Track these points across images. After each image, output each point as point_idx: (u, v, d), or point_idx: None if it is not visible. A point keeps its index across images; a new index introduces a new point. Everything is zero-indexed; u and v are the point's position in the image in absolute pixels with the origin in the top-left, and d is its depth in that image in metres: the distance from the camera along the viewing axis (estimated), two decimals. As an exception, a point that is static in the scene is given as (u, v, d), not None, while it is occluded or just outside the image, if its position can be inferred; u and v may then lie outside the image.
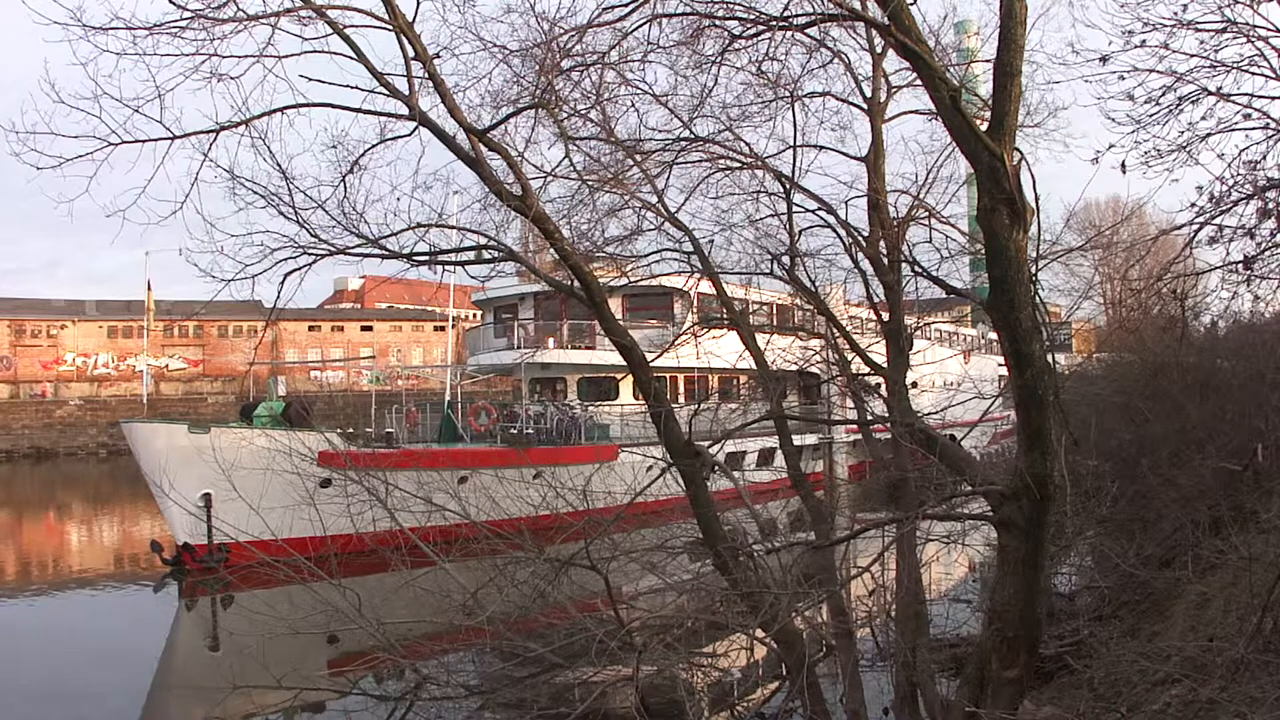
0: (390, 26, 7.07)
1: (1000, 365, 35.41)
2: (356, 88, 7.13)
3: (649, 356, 8.92)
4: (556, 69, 7.91)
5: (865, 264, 11.35)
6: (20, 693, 12.85)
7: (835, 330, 11.77)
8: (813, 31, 8.94)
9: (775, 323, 26.59)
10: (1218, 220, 7.59)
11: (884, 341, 11.77)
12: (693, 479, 8.38)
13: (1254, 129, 7.75)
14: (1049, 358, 5.91)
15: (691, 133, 10.07)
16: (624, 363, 8.63)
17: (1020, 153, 5.52)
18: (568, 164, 8.99)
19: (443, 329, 68.37)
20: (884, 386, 11.43)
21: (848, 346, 12.02)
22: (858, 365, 12.17)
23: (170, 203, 6.73)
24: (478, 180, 7.93)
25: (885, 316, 11.54)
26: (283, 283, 7.50)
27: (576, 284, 8.35)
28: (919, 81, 7.10)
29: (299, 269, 7.54)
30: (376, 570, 10.64)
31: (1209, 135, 7.74)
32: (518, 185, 7.96)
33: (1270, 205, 7.29)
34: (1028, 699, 6.88)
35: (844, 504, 16.36)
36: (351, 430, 25.17)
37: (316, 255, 7.60)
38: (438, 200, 18.01)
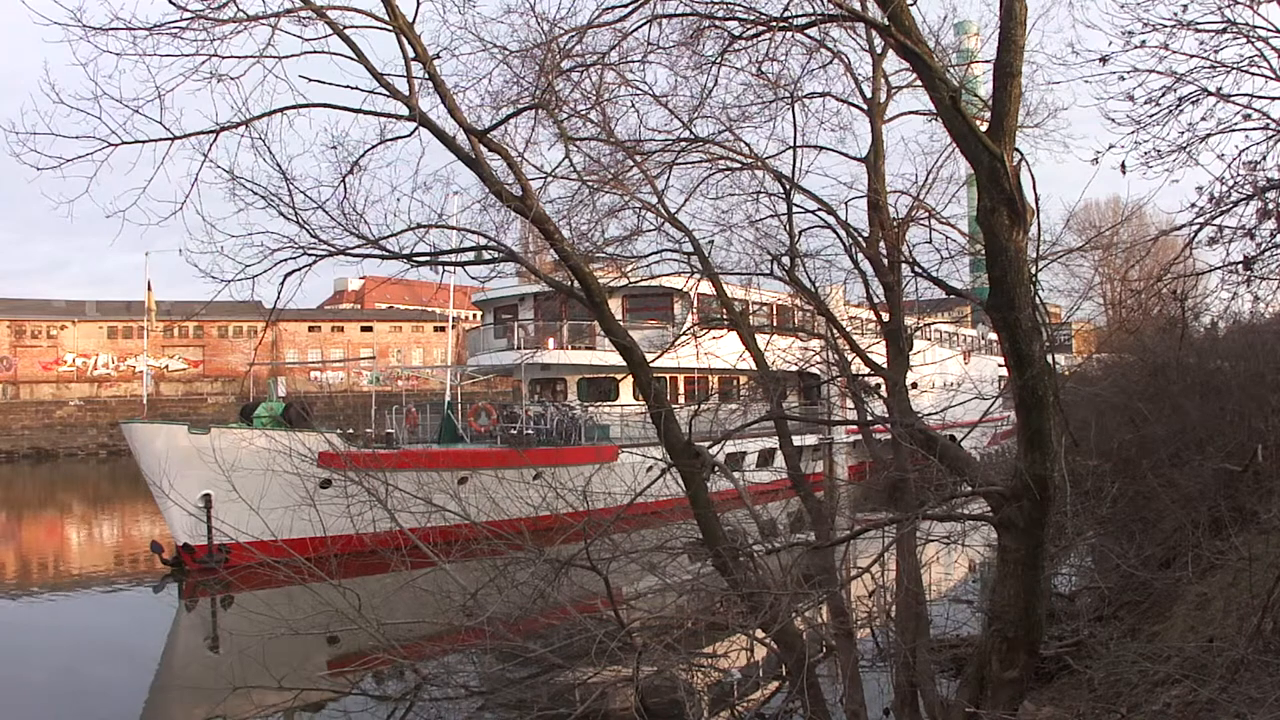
0: (390, 27, 7.08)
1: (1000, 366, 35.43)
2: (356, 88, 7.14)
3: (649, 357, 8.92)
4: (556, 69, 7.91)
5: (865, 264, 11.35)
6: (21, 691, 12.86)
7: (835, 331, 11.77)
8: (813, 32, 8.94)
9: (775, 323, 26.59)
10: (1218, 221, 7.58)
11: (884, 342, 11.77)
12: (692, 479, 8.38)
13: (1254, 129, 7.75)
14: (1049, 358, 5.91)
15: (691, 133, 10.06)
16: (624, 363, 8.63)
17: (1020, 153, 5.52)
18: (568, 164, 8.99)
19: (443, 330, 68.37)
20: (884, 387, 11.43)
21: (848, 347, 12.02)
22: (858, 366, 12.16)
23: (170, 203, 6.75)
24: (478, 181, 7.94)
25: (885, 317, 11.53)
26: (283, 283, 7.51)
27: (576, 284, 8.35)
28: (919, 82, 7.09)
29: (299, 269, 7.55)
30: (376, 571, 10.65)
31: (1209, 136, 7.73)
32: (518, 186, 7.96)
33: (1270, 206, 7.28)
34: (1028, 700, 6.89)
35: (844, 504, 16.33)
36: (351, 431, 25.14)
37: (316, 256, 7.61)
38: (438, 201, 18.01)
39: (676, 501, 9.03)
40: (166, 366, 71.39)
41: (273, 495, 15.36)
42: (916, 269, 10.15)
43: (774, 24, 6.50)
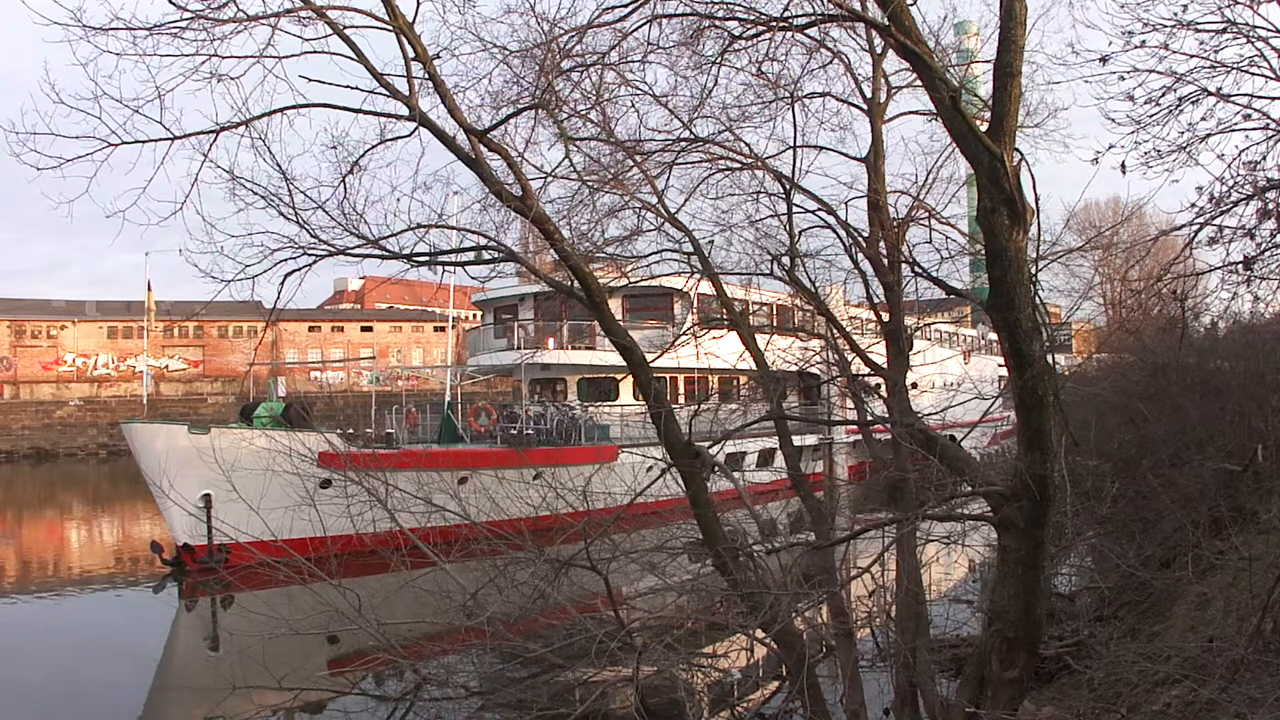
0: (390, 27, 7.08)
1: (1000, 366, 35.44)
2: (356, 88, 7.15)
3: (649, 357, 8.92)
4: (556, 69, 7.91)
5: (865, 264, 11.35)
6: (21, 691, 12.86)
7: (835, 331, 11.77)
8: (813, 32, 8.94)
9: (775, 323, 26.59)
10: (1218, 221, 7.57)
11: (884, 342, 11.77)
12: (692, 479, 8.38)
13: (1254, 129, 7.75)
14: (1049, 358, 5.90)
15: (691, 133, 10.06)
16: (624, 363, 8.63)
17: (1020, 153, 5.53)
18: (568, 164, 9.00)
19: (443, 329, 68.37)
20: (884, 387, 11.43)
21: (848, 347, 12.02)
22: (858, 366, 12.17)
23: (170, 203, 6.75)
24: (478, 181, 7.94)
25: (885, 317, 11.53)
26: (283, 283, 7.52)
27: (576, 284, 8.35)
28: (919, 82, 7.10)
29: (299, 269, 7.56)
30: (376, 571, 10.65)
31: (1209, 136, 7.73)
32: (518, 186, 7.97)
33: (1270, 206, 7.28)
34: (1028, 699, 6.88)
35: (844, 504, 16.35)
36: (351, 431, 25.15)
37: (316, 256, 7.61)
38: (438, 201, 18.03)
39: (676, 501, 9.04)
40: (166, 366, 71.39)
41: (273, 495, 15.36)
42: (916, 269, 10.15)
43: (774, 24, 6.50)
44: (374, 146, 7.58)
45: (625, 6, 6.76)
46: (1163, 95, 7.69)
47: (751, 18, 6.46)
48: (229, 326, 72.99)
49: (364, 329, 79.62)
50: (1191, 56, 7.66)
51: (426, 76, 7.30)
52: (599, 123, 9.55)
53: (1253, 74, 7.71)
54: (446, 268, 9.16)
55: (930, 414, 10.58)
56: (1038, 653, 6.48)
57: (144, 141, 6.74)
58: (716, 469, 8.61)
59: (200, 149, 6.93)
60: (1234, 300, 10.15)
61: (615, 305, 11.93)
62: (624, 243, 10.85)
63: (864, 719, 8.41)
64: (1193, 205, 7.62)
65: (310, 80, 6.91)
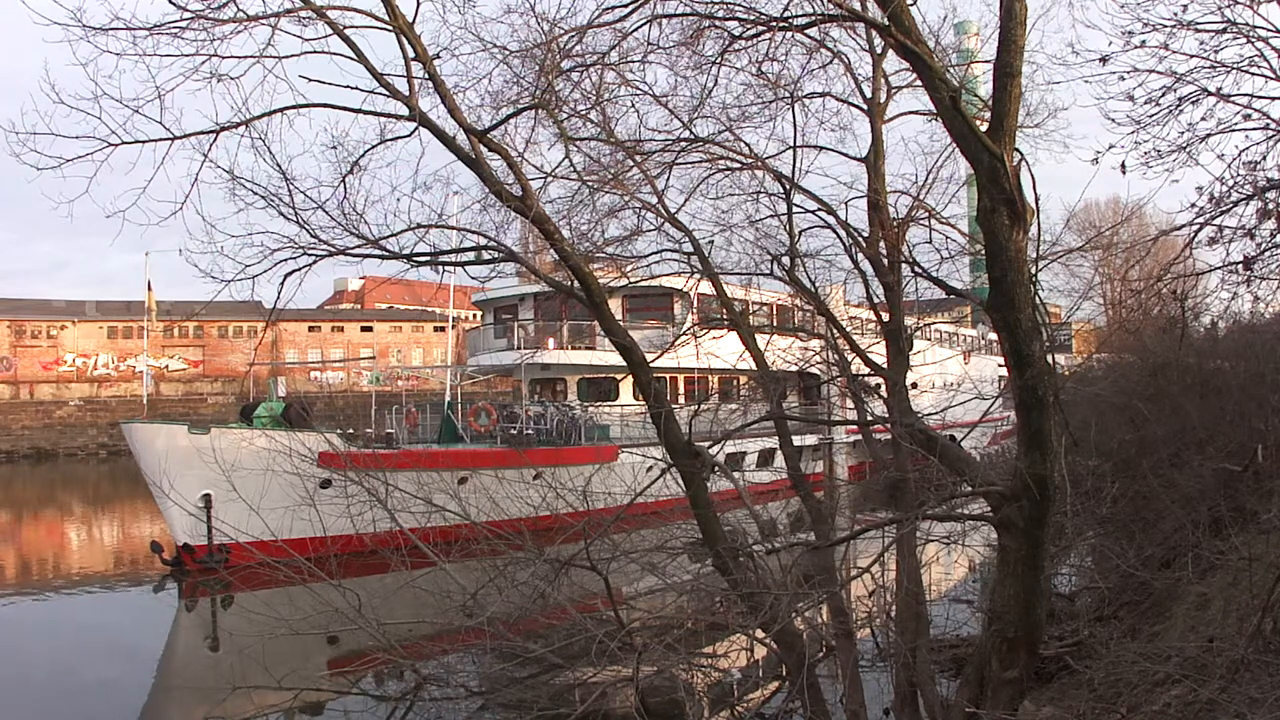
0: (390, 27, 7.08)
1: (1000, 366, 35.45)
2: (356, 88, 7.16)
3: (649, 357, 8.92)
4: (556, 69, 7.92)
5: (865, 264, 11.36)
6: (21, 691, 12.86)
7: (835, 331, 11.78)
8: (813, 32, 8.94)
9: (775, 323, 26.60)
10: (1218, 221, 7.58)
11: (884, 342, 11.77)
12: (692, 479, 8.38)
13: (1254, 129, 7.75)
14: (1049, 358, 5.91)
15: (691, 133, 10.07)
16: (624, 363, 8.64)
17: (1020, 153, 5.53)
18: (568, 164, 9.00)
19: (443, 329, 68.38)
20: (884, 387, 11.44)
21: (848, 347, 12.03)
22: (858, 366, 12.17)
23: (170, 203, 6.76)
24: (478, 181, 7.95)
25: (885, 317, 11.54)
26: (283, 283, 7.53)
27: (576, 284, 8.36)
28: (919, 82, 7.10)
29: (299, 269, 7.57)
30: (376, 571, 10.66)
31: (1209, 136, 7.73)
32: (518, 186, 7.97)
33: (1270, 206, 7.28)
34: (1028, 700, 6.88)
35: (844, 504, 16.34)
36: (351, 431, 25.13)
37: (316, 256, 7.62)
38: (438, 201, 18.04)
39: (676, 501, 9.04)
40: (166, 366, 71.36)
41: (273, 495, 15.36)
42: (916, 269, 10.17)
43: (774, 24, 6.50)
44: (374, 146, 7.60)
45: (625, 6, 6.77)
46: (1163, 95, 7.70)
47: (751, 18, 6.47)
48: (229, 326, 72.98)
49: (364, 329, 79.60)
50: (1191, 56, 7.67)
51: (426, 76, 7.30)
52: (599, 123, 9.55)
53: (1253, 74, 7.72)
54: (446, 268, 9.16)
55: (930, 414, 10.57)
56: (1038, 653, 6.49)
57: (144, 141, 6.75)
58: (716, 469, 8.61)
59: (200, 149, 6.95)
60: (1234, 300, 10.16)
61: (615, 305, 11.94)
62: (624, 243, 10.87)
63: (864, 719, 8.41)
64: (1193, 205, 7.63)
65: (310, 80, 6.92)
